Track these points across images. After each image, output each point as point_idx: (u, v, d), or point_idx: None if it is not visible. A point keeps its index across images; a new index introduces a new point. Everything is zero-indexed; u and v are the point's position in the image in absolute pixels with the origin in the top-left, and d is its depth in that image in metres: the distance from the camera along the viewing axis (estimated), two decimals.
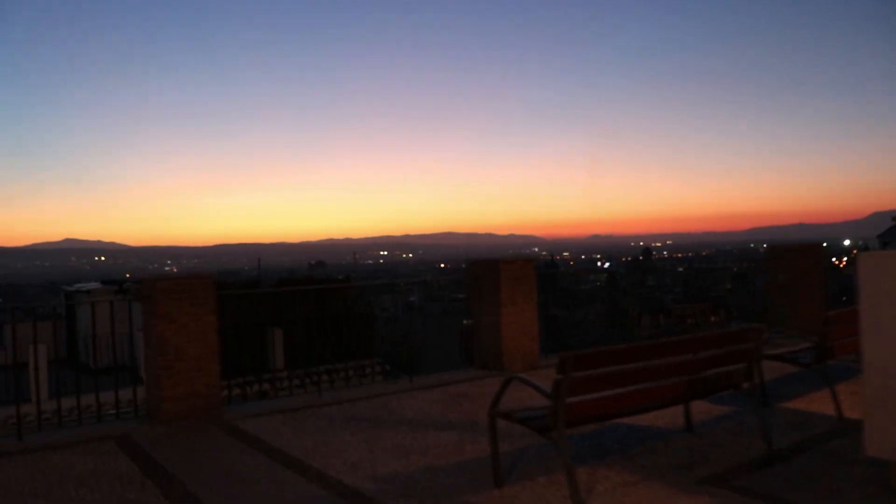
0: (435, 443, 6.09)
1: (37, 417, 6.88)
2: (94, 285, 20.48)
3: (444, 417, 6.96)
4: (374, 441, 6.20)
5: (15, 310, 8.55)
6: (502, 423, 4.94)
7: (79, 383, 7.78)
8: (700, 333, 5.19)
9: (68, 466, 5.71)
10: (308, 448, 6.03)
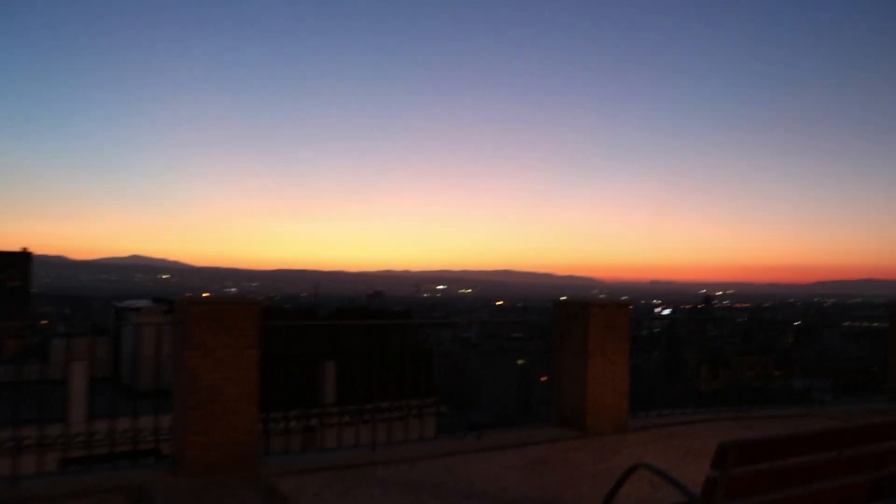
0: None
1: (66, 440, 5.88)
2: (143, 303, 19.77)
3: (521, 493, 5.70)
4: None
5: (64, 323, 7.62)
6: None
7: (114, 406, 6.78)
8: (890, 418, 3.89)
9: None
10: None
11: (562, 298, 8.63)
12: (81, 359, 14.53)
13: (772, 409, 9.65)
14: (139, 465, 6.12)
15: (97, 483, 5.53)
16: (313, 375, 16.31)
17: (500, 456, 6.80)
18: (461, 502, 5.40)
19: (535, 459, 6.68)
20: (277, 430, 13.95)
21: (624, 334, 8.15)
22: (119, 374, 17.76)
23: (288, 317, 19.49)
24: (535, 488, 5.81)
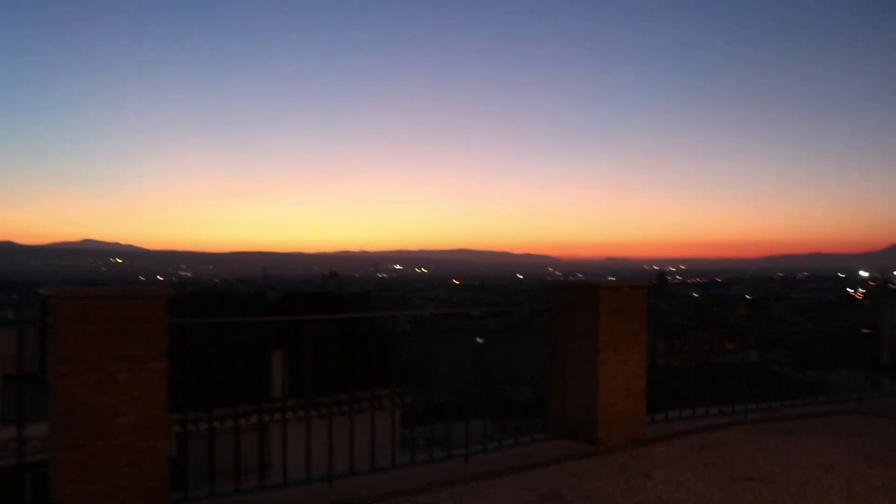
0: None
1: None
2: None
3: None
4: None
5: None
6: None
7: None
8: None
9: None
10: None
11: (562, 280, 7.07)
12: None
13: (802, 406, 8.19)
14: None
15: None
16: (259, 367, 14.59)
17: (499, 488, 5.18)
18: None
19: (546, 493, 5.07)
20: (203, 435, 12.20)
21: (640, 324, 6.60)
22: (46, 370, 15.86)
23: (235, 302, 17.74)
24: None
